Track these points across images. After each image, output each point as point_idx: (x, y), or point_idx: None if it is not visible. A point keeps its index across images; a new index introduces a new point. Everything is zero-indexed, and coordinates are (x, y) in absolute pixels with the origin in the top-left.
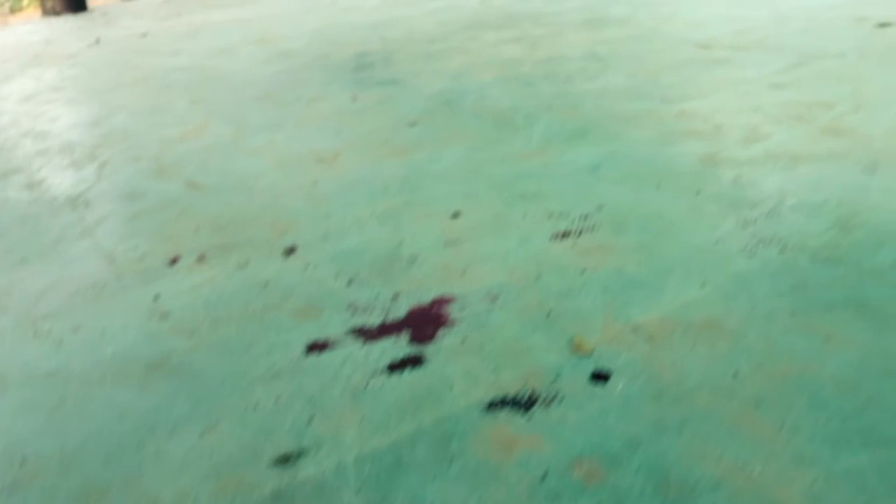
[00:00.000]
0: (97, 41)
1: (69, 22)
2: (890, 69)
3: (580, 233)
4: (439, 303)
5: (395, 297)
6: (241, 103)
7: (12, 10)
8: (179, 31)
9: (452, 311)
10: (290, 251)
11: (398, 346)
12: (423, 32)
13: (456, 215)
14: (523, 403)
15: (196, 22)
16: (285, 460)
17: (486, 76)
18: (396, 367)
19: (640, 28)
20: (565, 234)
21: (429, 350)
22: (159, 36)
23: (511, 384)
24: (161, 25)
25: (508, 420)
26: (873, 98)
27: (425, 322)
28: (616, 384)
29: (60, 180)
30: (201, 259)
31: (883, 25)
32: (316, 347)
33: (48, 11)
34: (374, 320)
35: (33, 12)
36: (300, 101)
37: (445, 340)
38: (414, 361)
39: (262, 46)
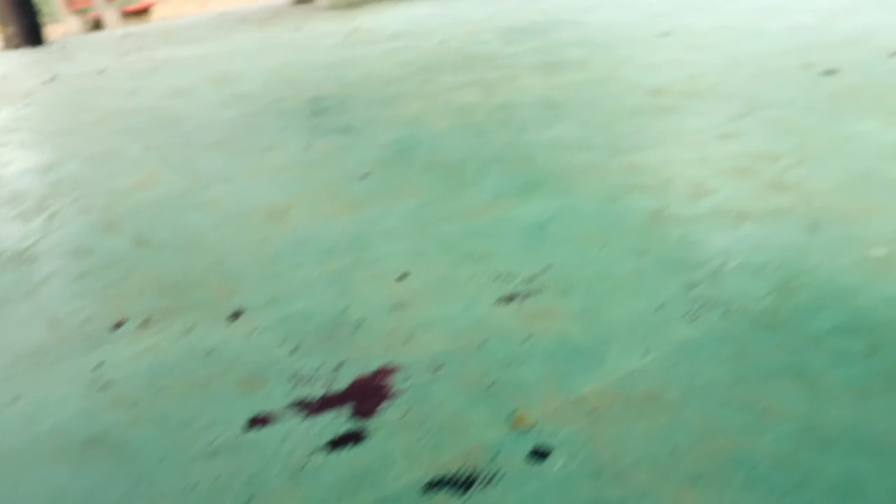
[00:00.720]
0: (54, 78)
1: (26, 56)
2: (833, 120)
3: (526, 296)
4: (383, 373)
5: (339, 367)
6: (195, 151)
7: None
8: (138, 69)
9: (396, 381)
10: (235, 315)
11: (340, 420)
12: (381, 74)
13: (403, 277)
14: (462, 483)
15: (155, 58)
16: None
17: (439, 124)
18: (337, 443)
19: (595, 72)
20: (511, 298)
21: (370, 425)
22: (117, 73)
23: (451, 462)
24: (120, 61)
25: (446, 502)
26: (817, 151)
27: (368, 394)
28: (555, 462)
29: (7, 233)
30: (146, 323)
31: (828, 73)
32: (257, 422)
33: (10, 45)
34: (316, 392)
35: None
36: (254, 150)
37: (387, 414)
38: (355, 437)
39: (219, 87)
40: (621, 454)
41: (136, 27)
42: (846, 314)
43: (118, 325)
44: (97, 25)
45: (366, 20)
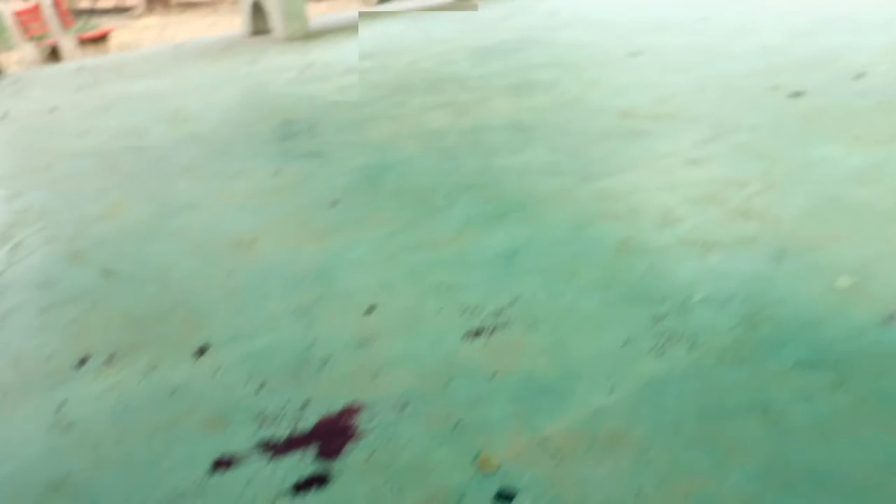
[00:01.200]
0: (3, 116)
1: None
2: (800, 144)
3: (493, 330)
4: (348, 412)
5: (305, 405)
6: (159, 181)
7: None
8: (90, 106)
9: (361, 421)
10: (201, 351)
11: (305, 462)
12: (348, 99)
13: (370, 310)
14: None
15: (110, 93)
16: None
17: (410, 148)
18: (302, 487)
19: (564, 95)
20: (478, 332)
21: (335, 467)
22: (70, 111)
23: None
24: (72, 98)
25: None
26: (784, 176)
27: (333, 434)
28: None
29: None
30: (111, 360)
31: (795, 95)
32: (222, 464)
33: None
34: (281, 432)
35: None
36: (222, 176)
37: (352, 456)
38: (319, 480)
39: (175, 125)
40: (586, 497)
41: (90, 60)
42: (811, 348)
43: (82, 362)
44: (54, 53)
45: (322, 54)
